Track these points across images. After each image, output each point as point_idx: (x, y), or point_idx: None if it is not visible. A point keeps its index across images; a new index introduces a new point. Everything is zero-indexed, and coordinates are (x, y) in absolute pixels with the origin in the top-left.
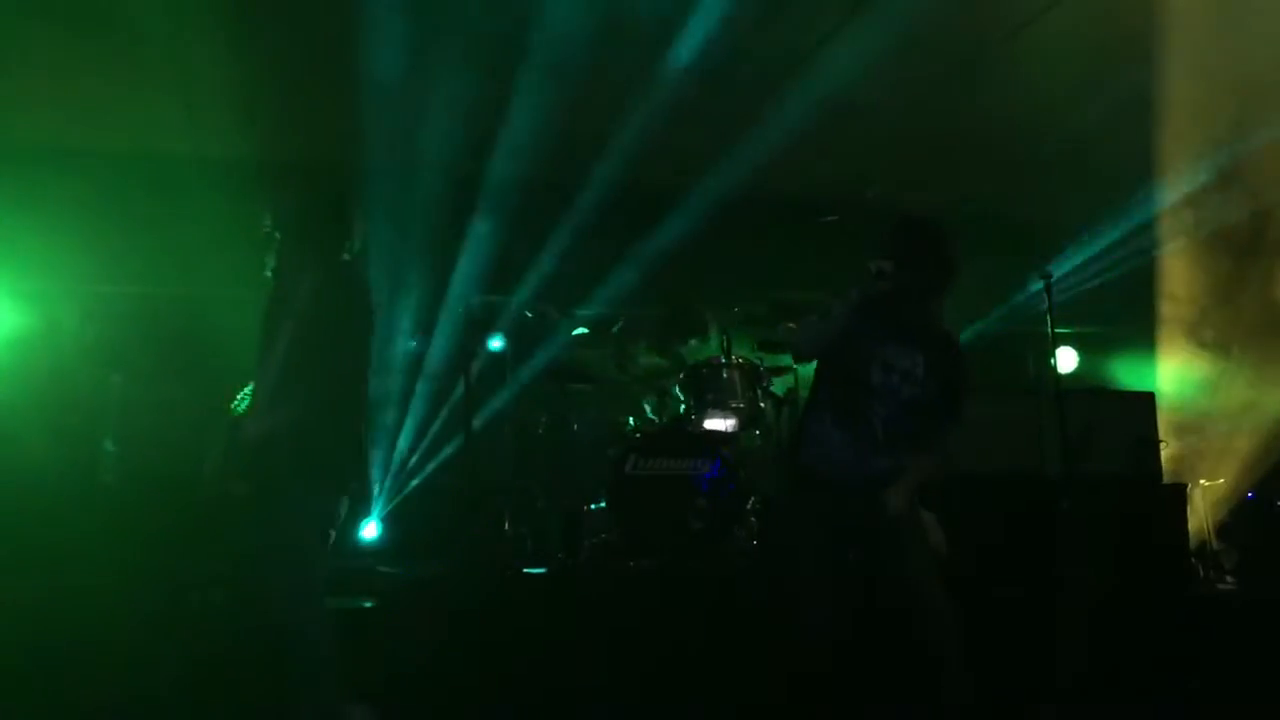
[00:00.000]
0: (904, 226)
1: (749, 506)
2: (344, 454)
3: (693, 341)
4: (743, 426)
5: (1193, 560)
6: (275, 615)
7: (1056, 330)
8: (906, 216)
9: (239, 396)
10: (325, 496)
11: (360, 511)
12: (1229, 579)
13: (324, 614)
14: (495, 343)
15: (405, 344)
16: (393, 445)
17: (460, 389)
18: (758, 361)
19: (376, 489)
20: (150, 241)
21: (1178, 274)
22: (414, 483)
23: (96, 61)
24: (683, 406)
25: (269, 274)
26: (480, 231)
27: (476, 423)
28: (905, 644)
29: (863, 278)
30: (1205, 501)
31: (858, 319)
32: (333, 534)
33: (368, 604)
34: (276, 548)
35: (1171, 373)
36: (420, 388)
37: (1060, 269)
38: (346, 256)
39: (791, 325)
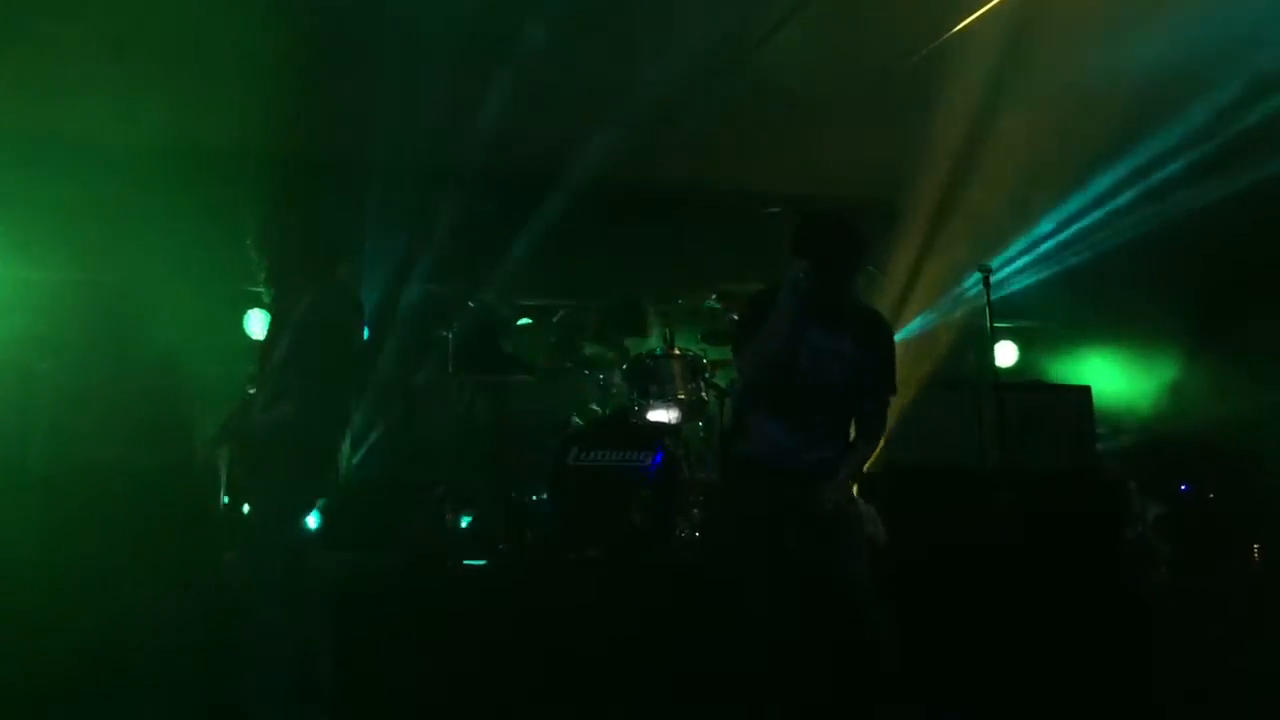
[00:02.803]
0: (809, 224)
1: (691, 498)
2: (330, 444)
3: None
4: (686, 418)
5: (1128, 552)
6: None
7: (995, 325)
8: (808, 215)
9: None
10: (308, 480)
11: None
12: (1163, 570)
13: (275, 592)
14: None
15: None
16: None
17: (400, 379)
18: (700, 354)
19: None
20: (78, 228)
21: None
22: (354, 473)
23: (23, 41)
24: (626, 398)
25: (267, 301)
26: (422, 221)
27: (417, 413)
28: (840, 638)
29: (788, 284)
30: (1141, 494)
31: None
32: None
33: None
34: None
35: (1110, 367)
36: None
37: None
38: (337, 278)
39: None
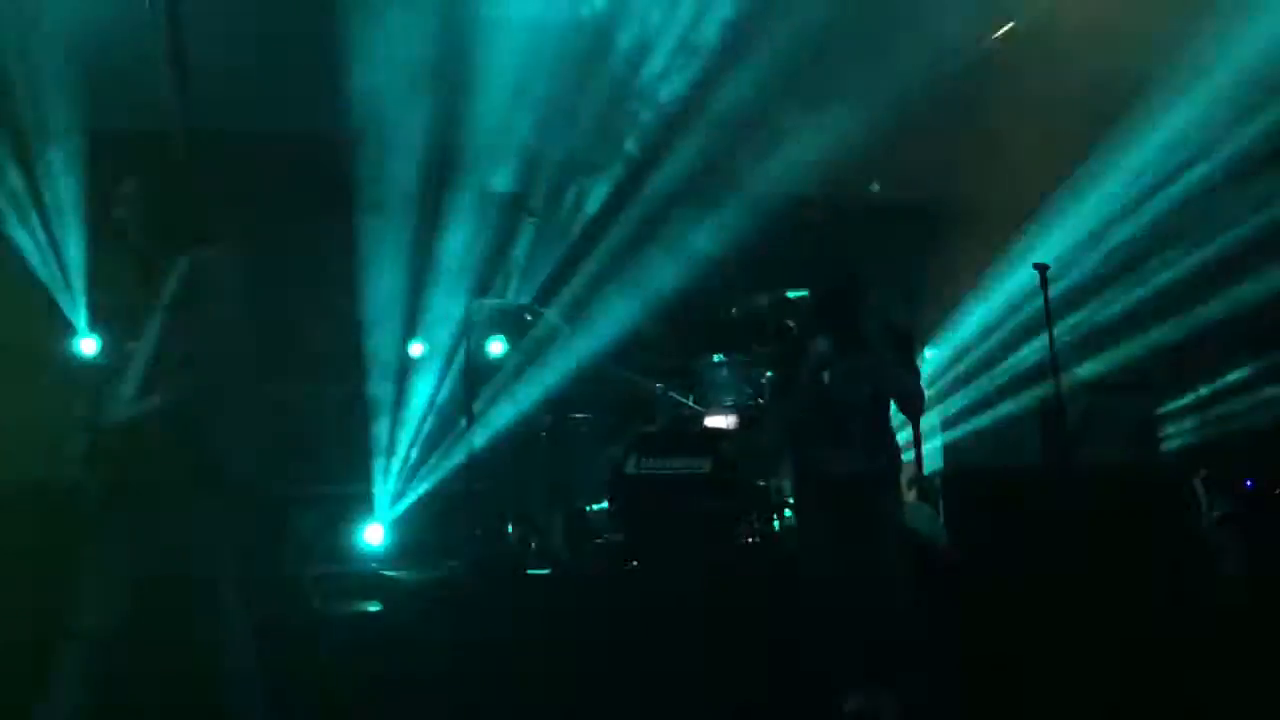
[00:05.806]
0: (815, 298)
1: (749, 503)
2: (249, 463)
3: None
4: (743, 425)
5: (1193, 548)
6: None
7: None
8: (814, 291)
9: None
10: (228, 507)
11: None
12: (1229, 567)
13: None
14: (495, 346)
15: (406, 348)
16: (394, 450)
17: (462, 392)
18: (756, 360)
19: (380, 492)
20: None
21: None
22: (417, 487)
23: None
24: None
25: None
26: (482, 234)
27: (478, 425)
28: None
29: (810, 359)
30: (1206, 490)
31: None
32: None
33: (373, 607)
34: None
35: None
36: (422, 391)
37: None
38: (209, 253)
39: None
